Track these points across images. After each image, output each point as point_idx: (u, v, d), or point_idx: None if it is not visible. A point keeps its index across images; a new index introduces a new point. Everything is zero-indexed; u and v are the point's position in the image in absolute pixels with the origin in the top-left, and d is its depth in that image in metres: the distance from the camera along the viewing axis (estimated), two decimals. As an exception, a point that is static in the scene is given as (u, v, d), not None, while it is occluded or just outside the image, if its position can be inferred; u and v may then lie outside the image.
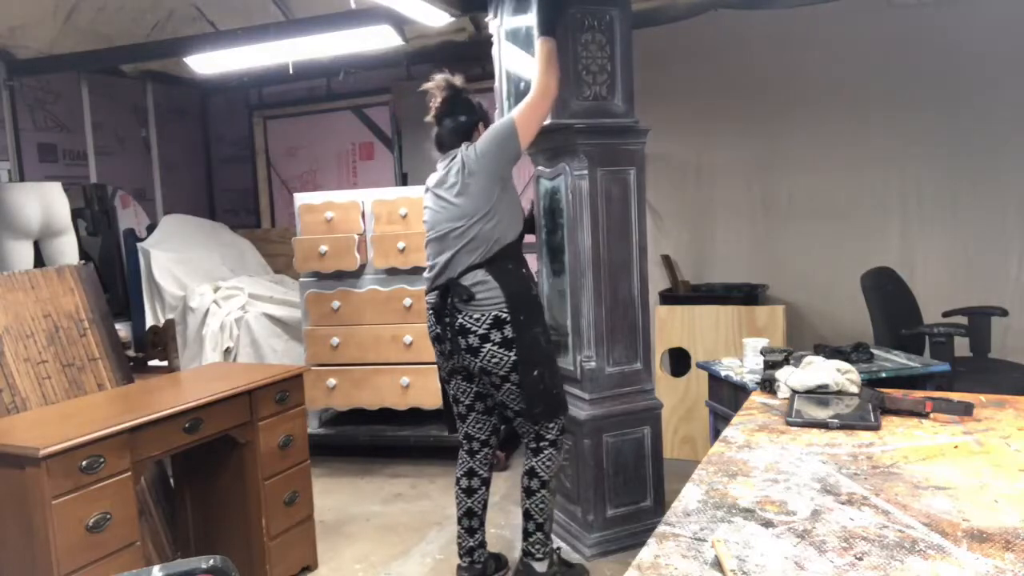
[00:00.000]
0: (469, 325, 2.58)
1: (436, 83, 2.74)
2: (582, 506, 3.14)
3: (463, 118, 2.72)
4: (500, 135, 2.64)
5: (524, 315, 2.59)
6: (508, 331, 2.57)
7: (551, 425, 2.71)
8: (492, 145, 2.63)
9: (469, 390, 2.81)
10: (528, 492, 2.74)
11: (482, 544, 2.88)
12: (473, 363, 2.63)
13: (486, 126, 2.76)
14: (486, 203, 2.61)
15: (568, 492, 3.24)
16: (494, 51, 3.33)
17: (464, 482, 2.86)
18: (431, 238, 2.72)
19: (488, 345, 2.57)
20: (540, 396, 2.63)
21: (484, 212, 2.60)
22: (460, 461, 2.90)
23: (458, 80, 2.77)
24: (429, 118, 2.74)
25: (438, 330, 2.70)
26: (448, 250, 2.63)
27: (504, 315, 2.57)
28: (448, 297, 2.62)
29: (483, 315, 2.57)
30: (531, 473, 2.74)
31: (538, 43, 2.72)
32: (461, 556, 2.87)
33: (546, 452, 2.72)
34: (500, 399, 2.70)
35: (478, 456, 2.87)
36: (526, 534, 2.77)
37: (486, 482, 2.88)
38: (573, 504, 3.21)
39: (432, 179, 2.77)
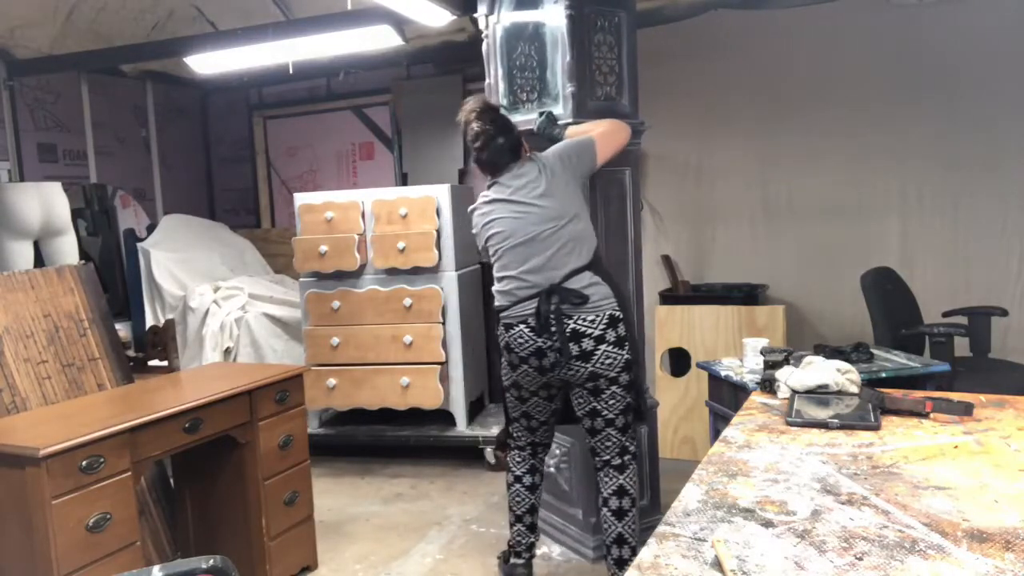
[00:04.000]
0: (584, 328, 2.48)
1: (472, 108, 2.63)
2: (583, 508, 3.13)
3: (511, 135, 2.63)
4: (580, 146, 2.64)
5: (629, 315, 2.59)
6: (621, 329, 2.53)
7: (634, 436, 2.66)
8: (572, 154, 2.63)
9: (548, 408, 2.72)
10: (619, 514, 2.60)
11: (537, 540, 2.89)
12: (582, 370, 2.50)
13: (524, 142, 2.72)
14: (574, 204, 2.58)
15: (566, 495, 3.23)
16: (485, 47, 3.26)
17: (528, 479, 2.80)
18: (510, 246, 2.56)
19: (603, 346, 2.49)
20: (642, 398, 2.64)
21: (574, 213, 2.56)
22: (519, 460, 2.81)
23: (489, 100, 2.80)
24: (478, 144, 2.59)
25: (539, 343, 2.52)
26: (539, 254, 2.52)
27: (618, 313, 2.53)
28: (550, 304, 2.48)
29: (598, 316, 2.49)
30: (620, 492, 2.60)
31: (574, 128, 2.78)
32: (520, 553, 2.82)
33: (631, 467, 2.63)
34: (594, 407, 2.57)
35: (540, 456, 2.84)
36: (620, 563, 2.56)
37: (543, 478, 2.89)
38: (573, 507, 3.19)
39: (497, 191, 2.62)
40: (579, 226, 2.57)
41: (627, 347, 2.55)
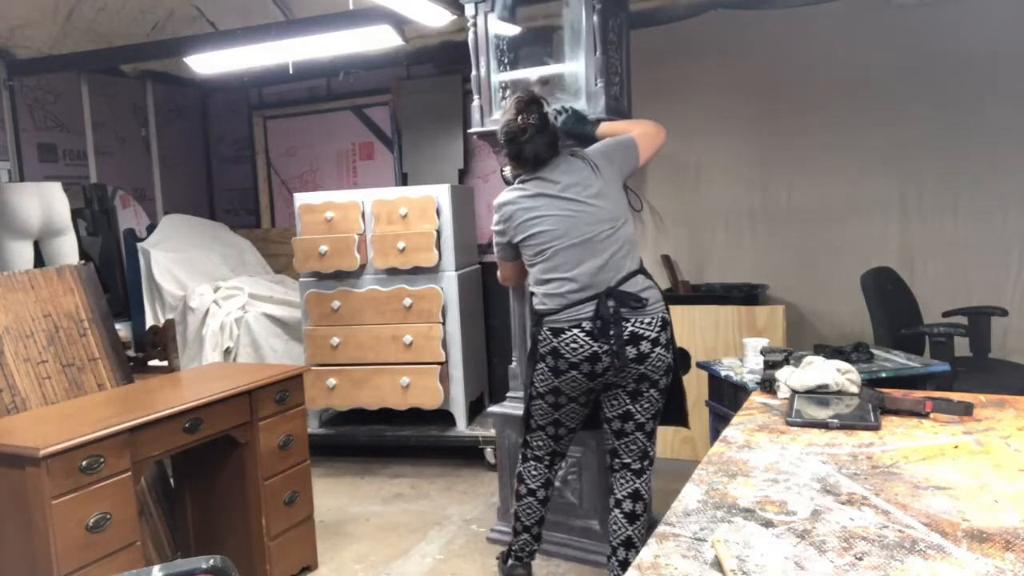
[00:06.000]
0: (642, 331, 2.45)
1: (518, 98, 2.55)
2: (599, 519, 3.07)
3: (552, 129, 2.57)
4: (623, 147, 2.60)
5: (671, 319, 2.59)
6: (670, 332, 2.54)
7: (655, 441, 2.66)
8: (617, 153, 2.59)
9: (581, 414, 2.67)
10: (631, 517, 2.59)
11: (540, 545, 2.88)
12: (634, 372, 2.47)
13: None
14: (624, 206, 2.56)
15: (573, 508, 3.16)
16: (473, 38, 3.11)
17: (541, 493, 2.76)
18: (563, 247, 2.47)
19: (657, 349, 2.47)
20: (681, 401, 2.68)
21: (627, 216, 2.54)
22: (533, 473, 2.75)
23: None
24: (524, 137, 2.49)
25: (595, 347, 2.44)
26: (595, 256, 2.45)
27: (668, 317, 2.54)
28: (608, 308, 2.43)
29: (653, 319, 2.47)
30: (635, 496, 2.59)
31: (607, 126, 2.74)
32: (523, 560, 2.80)
33: (648, 472, 2.63)
34: (629, 410, 2.55)
35: (555, 468, 2.80)
36: (625, 566, 2.52)
37: (554, 488, 2.86)
38: (583, 519, 3.14)
39: (540, 186, 2.53)
40: (630, 228, 2.55)
41: (671, 351, 2.55)
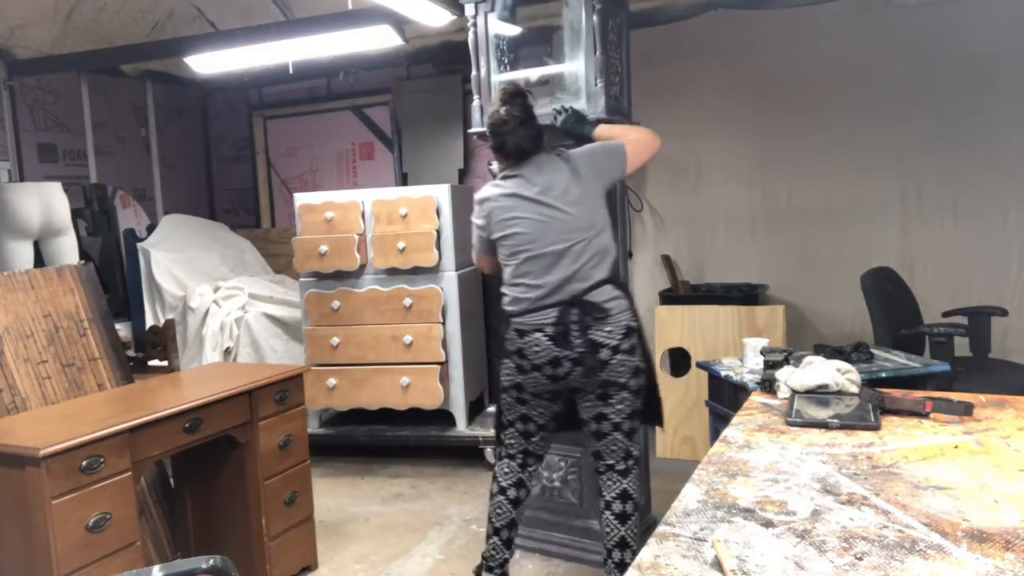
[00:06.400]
0: (602, 339, 2.45)
1: (503, 90, 2.58)
2: (599, 517, 3.07)
3: (536, 124, 2.56)
4: (611, 153, 2.59)
5: (641, 324, 2.59)
6: (635, 339, 2.53)
7: (638, 440, 2.65)
8: (603, 158, 2.57)
9: (550, 410, 2.66)
10: (622, 518, 2.58)
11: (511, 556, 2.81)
12: (595, 378, 2.49)
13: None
14: (602, 214, 2.54)
15: (574, 508, 3.16)
16: (473, 37, 3.10)
17: (512, 492, 2.71)
18: (534, 253, 2.48)
19: (619, 355, 2.47)
20: (656, 401, 2.67)
21: (603, 225, 2.52)
22: (506, 471, 2.73)
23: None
24: (506, 129, 2.51)
25: (555, 353, 2.47)
26: (566, 265, 2.46)
27: (634, 324, 2.53)
28: (570, 316, 2.44)
29: (615, 327, 2.48)
30: (624, 497, 2.59)
31: (605, 129, 2.72)
32: (492, 569, 2.74)
33: (635, 471, 2.62)
34: (601, 411, 2.55)
35: (529, 469, 2.76)
36: (622, 567, 2.50)
37: (529, 493, 2.81)
38: (584, 519, 3.13)
39: (519, 186, 2.52)
40: (605, 238, 2.53)
41: (638, 354, 2.54)
